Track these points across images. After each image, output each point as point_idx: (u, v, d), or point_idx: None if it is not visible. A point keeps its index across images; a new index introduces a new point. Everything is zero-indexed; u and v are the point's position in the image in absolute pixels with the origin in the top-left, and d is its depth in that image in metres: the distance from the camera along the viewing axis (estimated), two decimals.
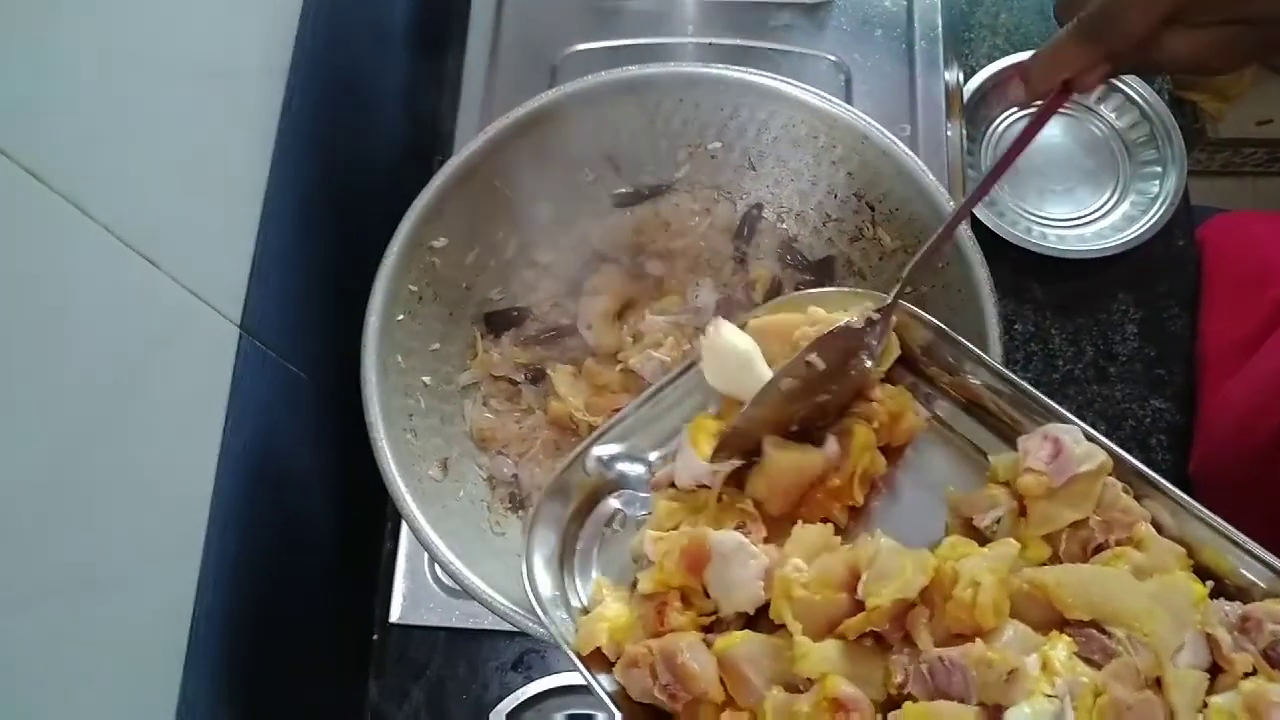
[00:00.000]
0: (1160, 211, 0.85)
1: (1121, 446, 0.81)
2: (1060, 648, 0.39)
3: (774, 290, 0.70)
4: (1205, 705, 0.38)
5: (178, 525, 0.54)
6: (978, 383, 0.51)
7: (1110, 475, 0.44)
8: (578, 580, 0.52)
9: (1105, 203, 0.88)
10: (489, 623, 0.70)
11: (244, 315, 0.59)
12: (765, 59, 0.79)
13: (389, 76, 0.85)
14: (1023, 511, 0.45)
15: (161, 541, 0.53)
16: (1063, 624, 0.41)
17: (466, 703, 0.74)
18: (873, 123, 0.61)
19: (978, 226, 0.83)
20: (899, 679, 0.41)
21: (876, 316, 0.50)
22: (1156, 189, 0.86)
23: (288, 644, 0.69)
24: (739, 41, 0.80)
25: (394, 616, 0.71)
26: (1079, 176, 0.89)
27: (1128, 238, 0.84)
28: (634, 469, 0.54)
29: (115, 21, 0.48)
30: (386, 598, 0.73)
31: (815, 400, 0.50)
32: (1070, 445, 0.44)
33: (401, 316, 0.62)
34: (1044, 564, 0.43)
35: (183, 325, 0.53)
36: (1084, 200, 0.88)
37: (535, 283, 0.71)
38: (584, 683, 0.71)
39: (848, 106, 0.62)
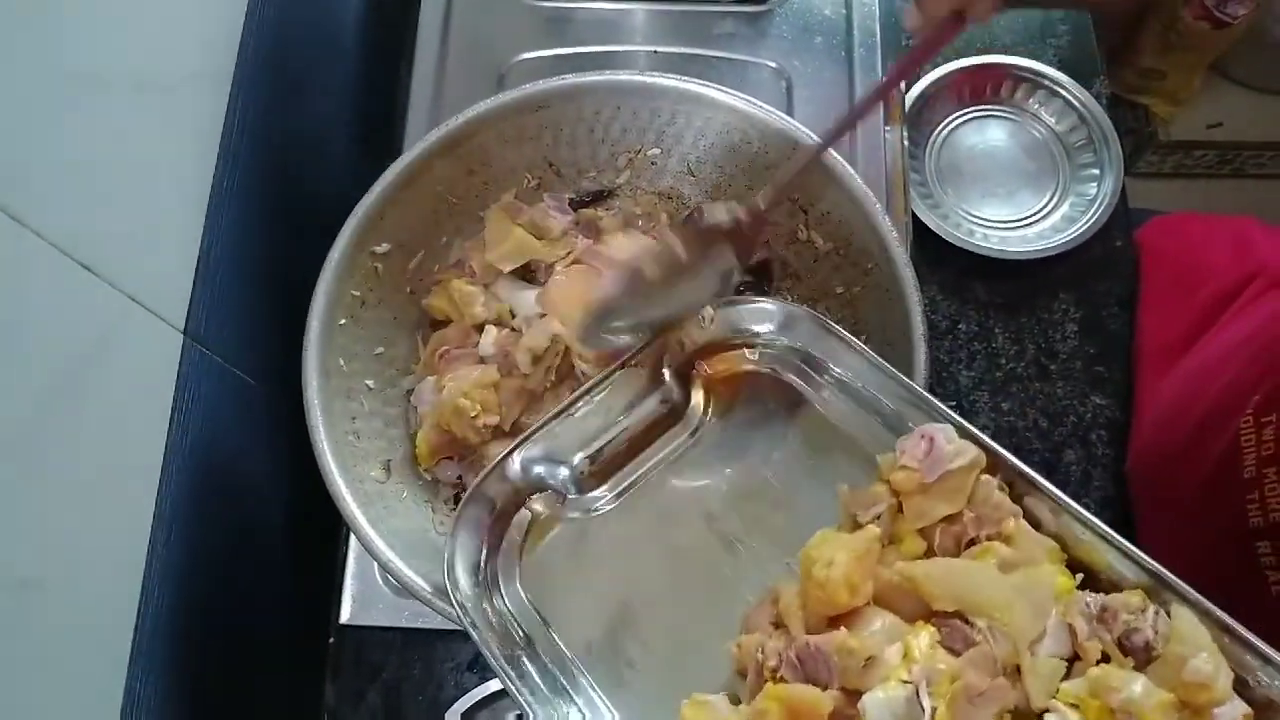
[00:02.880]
0: (1099, 213, 0.87)
1: (1063, 442, 0.84)
2: (923, 636, 0.41)
3: None
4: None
5: (121, 528, 0.55)
6: (864, 385, 0.53)
7: (986, 473, 0.46)
8: (501, 581, 0.53)
9: (1046, 205, 0.90)
10: (440, 622, 0.71)
11: (188, 321, 0.60)
12: (709, 66, 0.81)
13: (338, 83, 0.86)
14: (901, 508, 0.46)
15: (103, 543, 0.53)
16: (930, 615, 0.43)
17: (422, 703, 0.75)
18: (801, 127, 0.62)
19: (921, 229, 0.85)
20: (773, 663, 0.42)
21: (744, 217, 0.53)
22: (1095, 191, 0.89)
23: (241, 647, 0.69)
24: (683, 50, 0.81)
25: (344, 617, 0.72)
26: (1020, 179, 0.91)
27: (1068, 238, 0.86)
28: (557, 472, 0.55)
29: (50, 35, 0.49)
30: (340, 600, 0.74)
31: (672, 294, 0.54)
32: (943, 442, 0.45)
33: (344, 321, 0.63)
34: (919, 558, 0.45)
35: (123, 331, 0.54)
36: (1025, 202, 0.90)
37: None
38: None
39: (779, 113, 0.64)
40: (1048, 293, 0.88)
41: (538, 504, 0.55)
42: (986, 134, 0.93)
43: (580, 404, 0.55)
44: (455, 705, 0.72)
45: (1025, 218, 0.90)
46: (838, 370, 0.55)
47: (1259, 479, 0.66)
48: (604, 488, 0.57)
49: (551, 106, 0.66)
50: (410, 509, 0.64)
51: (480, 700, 0.73)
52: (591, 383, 0.55)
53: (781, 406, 0.57)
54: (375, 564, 0.72)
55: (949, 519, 0.45)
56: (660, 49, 0.82)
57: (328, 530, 0.77)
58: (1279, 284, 0.80)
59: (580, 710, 0.49)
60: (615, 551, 0.55)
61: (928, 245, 0.86)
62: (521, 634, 0.52)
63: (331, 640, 0.75)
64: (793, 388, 0.57)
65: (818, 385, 0.56)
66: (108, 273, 0.52)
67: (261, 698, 0.72)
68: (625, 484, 0.57)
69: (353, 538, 0.74)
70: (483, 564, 0.52)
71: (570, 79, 0.65)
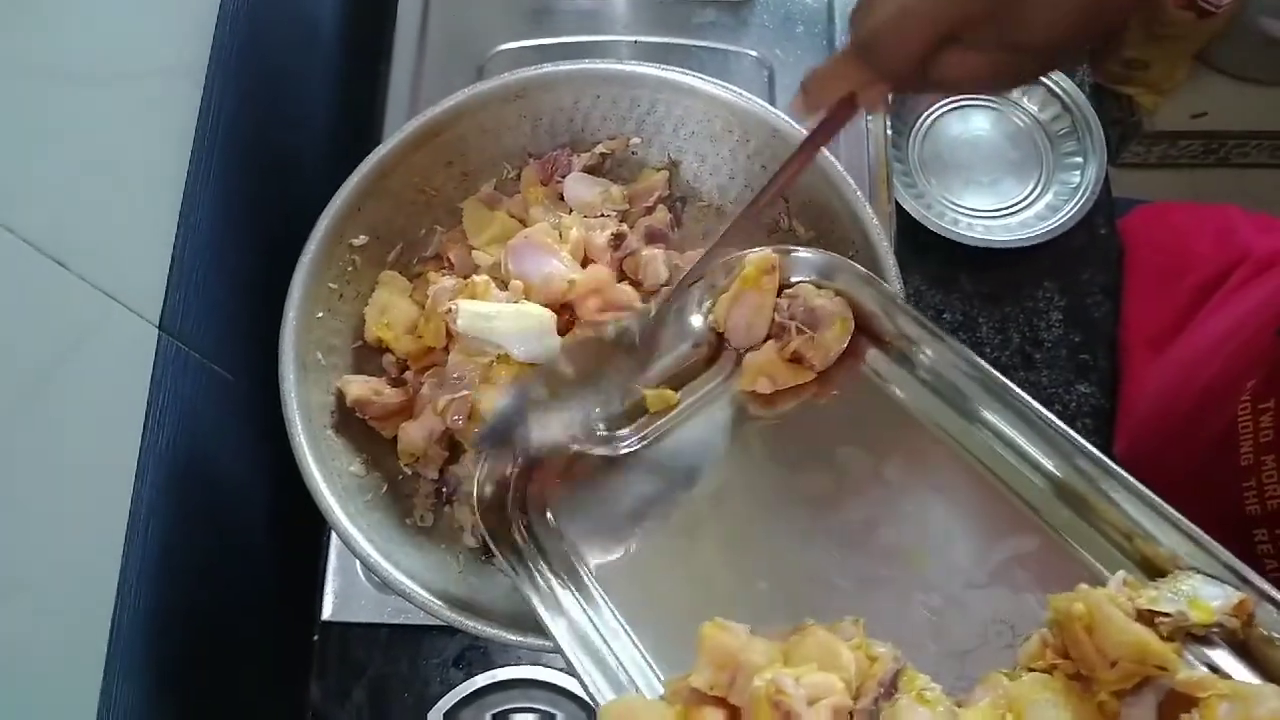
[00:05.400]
0: (1082, 201, 0.87)
1: None
2: None
3: None
4: None
5: (95, 527, 0.54)
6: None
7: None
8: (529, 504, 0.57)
9: (1029, 193, 0.90)
10: (424, 618, 0.71)
11: (163, 316, 0.59)
12: (690, 56, 0.80)
13: (316, 75, 0.86)
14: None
15: (77, 542, 0.52)
16: None
17: (408, 700, 0.75)
18: (782, 115, 0.62)
19: (905, 219, 0.85)
20: None
21: (634, 327, 0.55)
22: (1078, 179, 0.89)
23: (223, 646, 0.69)
24: (664, 39, 0.81)
25: (326, 614, 0.71)
26: (1004, 168, 0.91)
27: (1051, 227, 0.86)
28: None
29: (18, 29, 0.48)
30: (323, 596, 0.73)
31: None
32: None
33: (321, 314, 0.62)
34: None
35: (96, 327, 0.53)
36: (1009, 191, 0.90)
37: None
38: (524, 678, 0.72)
39: (760, 101, 0.63)
40: (1032, 282, 0.88)
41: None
42: (970, 123, 0.93)
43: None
44: (439, 703, 0.72)
45: (1009, 207, 0.90)
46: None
47: (1256, 466, 0.66)
48: (631, 428, 0.58)
49: (529, 96, 0.66)
50: (389, 503, 0.63)
51: (465, 697, 0.72)
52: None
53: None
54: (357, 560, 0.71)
55: None
56: (641, 39, 0.81)
57: (310, 526, 0.76)
58: (1265, 269, 0.80)
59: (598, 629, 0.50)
60: (636, 492, 0.57)
61: (912, 235, 0.86)
62: (538, 550, 0.54)
63: (316, 638, 0.74)
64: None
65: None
66: (81, 269, 0.51)
67: (245, 697, 0.71)
68: (651, 426, 0.58)
69: (334, 533, 0.73)
70: (512, 483, 0.55)
71: (548, 68, 0.65)
